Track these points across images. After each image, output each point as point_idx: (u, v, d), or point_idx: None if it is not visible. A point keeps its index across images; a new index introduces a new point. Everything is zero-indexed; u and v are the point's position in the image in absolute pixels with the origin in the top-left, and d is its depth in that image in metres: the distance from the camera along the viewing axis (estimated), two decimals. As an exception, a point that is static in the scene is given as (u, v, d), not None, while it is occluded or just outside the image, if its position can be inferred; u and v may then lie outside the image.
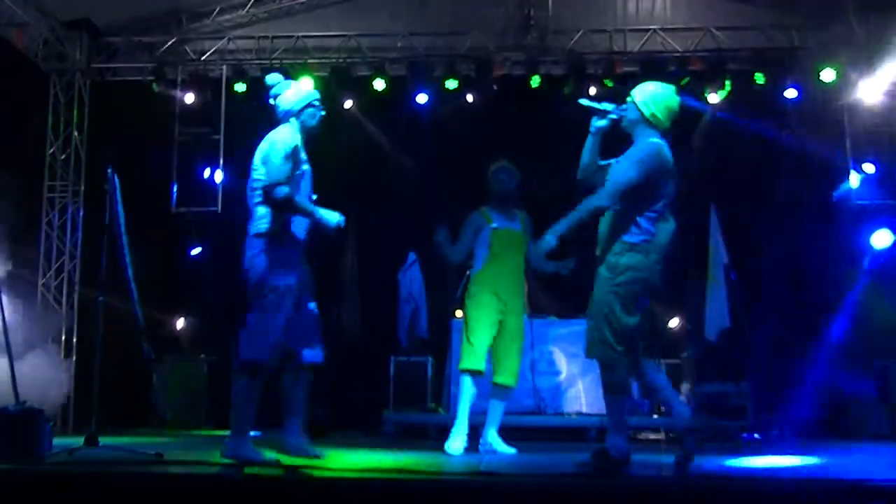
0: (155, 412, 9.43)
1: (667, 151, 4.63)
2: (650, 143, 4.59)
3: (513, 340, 6.07)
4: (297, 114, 4.88)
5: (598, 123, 4.76)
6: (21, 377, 5.71)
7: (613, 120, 4.73)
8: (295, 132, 4.85)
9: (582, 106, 4.78)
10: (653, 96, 4.67)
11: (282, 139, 4.70)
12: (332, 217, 4.68)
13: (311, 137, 4.95)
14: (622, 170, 4.57)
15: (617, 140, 4.87)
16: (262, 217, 4.71)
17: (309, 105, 4.90)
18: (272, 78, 5.01)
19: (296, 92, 4.93)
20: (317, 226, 4.72)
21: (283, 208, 4.62)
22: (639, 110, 4.65)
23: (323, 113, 4.97)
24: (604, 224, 4.67)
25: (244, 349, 4.62)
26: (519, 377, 6.24)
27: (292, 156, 4.70)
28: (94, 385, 5.63)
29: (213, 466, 4.50)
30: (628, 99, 4.72)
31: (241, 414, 4.67)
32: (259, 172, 4.75)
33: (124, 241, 5.77)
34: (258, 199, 4.73)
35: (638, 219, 4.54)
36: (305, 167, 4.88)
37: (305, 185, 4.88)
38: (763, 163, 9.68)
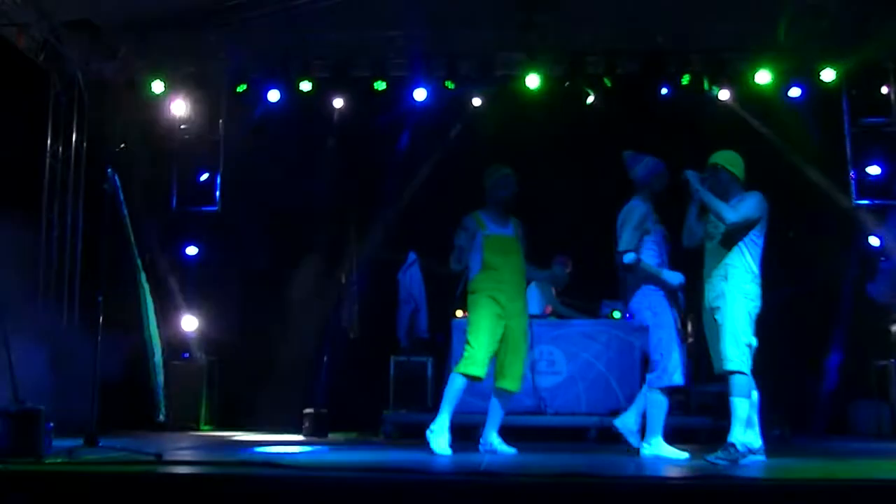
0: (155, 412, 9.40)
1: None
2: (760, 195, 5.47)
3: (515, 345, 6.03)
4: (649, 182, 5.81)
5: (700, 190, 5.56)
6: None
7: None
8: (646, 200, 5.84)
9: (686, 179, 5.52)
10: (734, 159, 5.58)
11: (635, 210, 5.73)
12: (675, 278, 5.69)
13: (657, 197, 5.91)
14: (748, 206, 5.41)
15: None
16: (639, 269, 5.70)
17: (656, 174, 5.83)
18: (627, 153, 5.91)
19: (645, 164, 5.85)
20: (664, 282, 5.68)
21: (631, 270, 5.63)
22: (729, 172, 5.53)
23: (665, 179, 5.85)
24: (718, 256, 5.43)
25: (665, 377, 5.65)
26: (523, 381, 6.23)
27: (640, 224, 5.71)
28: (93, 385, 5.62)
29: (214, 466, 4.50)
30: (717, 165, 5.53)
31: (655, 421, 5.71)
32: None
33: (132, 241, 5.96)
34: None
35: (755, 254, 5.40)
36: (658, 226, 5.84)
37: (659, 242, 5.81)
38: (764, 162, 9.66)
